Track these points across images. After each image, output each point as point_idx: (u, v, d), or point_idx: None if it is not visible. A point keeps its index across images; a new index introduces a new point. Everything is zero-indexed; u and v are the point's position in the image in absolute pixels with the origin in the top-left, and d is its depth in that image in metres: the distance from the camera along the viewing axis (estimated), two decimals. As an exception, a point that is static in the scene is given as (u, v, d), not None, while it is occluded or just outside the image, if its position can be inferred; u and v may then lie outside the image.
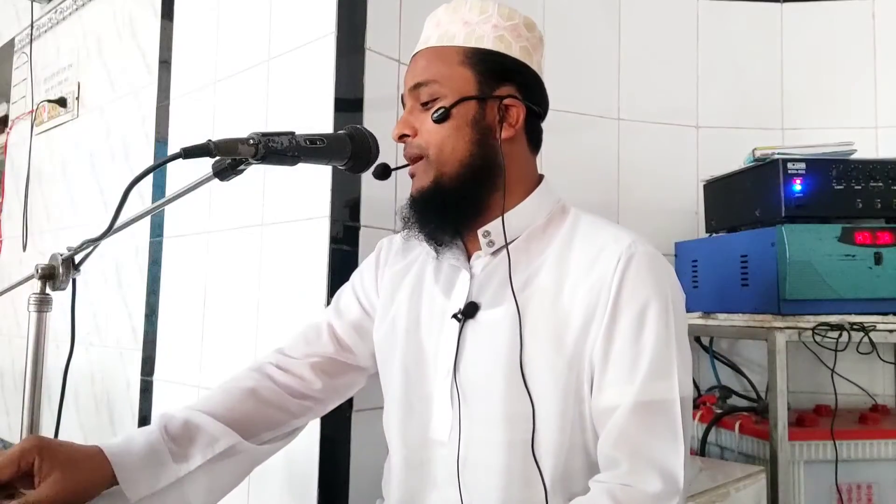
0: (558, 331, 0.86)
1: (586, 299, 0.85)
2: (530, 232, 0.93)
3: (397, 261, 1.06)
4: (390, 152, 0.97)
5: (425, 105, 0.92)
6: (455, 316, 0.92)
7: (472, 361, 0.91)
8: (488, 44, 0.91)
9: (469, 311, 0.92)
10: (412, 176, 0.95)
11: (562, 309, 0.87)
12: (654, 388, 0.81)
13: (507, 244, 0.91)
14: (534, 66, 0.95)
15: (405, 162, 0.96)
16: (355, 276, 1.13)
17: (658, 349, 0.82)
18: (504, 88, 0.91)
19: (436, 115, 0.90)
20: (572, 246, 0.90)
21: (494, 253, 0.93)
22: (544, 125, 1.00)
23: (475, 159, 0.90)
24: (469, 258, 0.96)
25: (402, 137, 0.94)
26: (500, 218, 0.91)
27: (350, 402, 1.33)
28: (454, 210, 0.91)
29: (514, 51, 0.92)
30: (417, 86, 0.92)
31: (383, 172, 0.98)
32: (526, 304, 0.88)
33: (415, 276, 1.01)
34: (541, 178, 0.98)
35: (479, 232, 0.93)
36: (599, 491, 0.79)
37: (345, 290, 1.13)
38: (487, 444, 0.89)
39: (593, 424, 0.86)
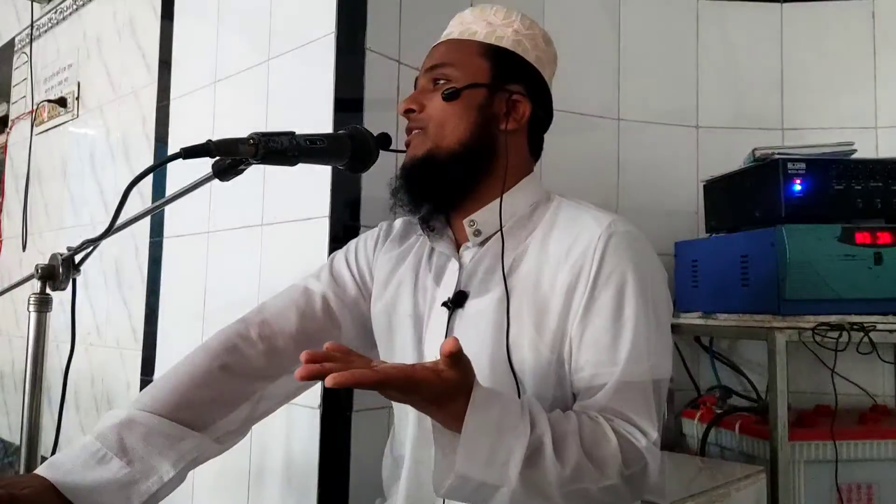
0: (540, 315, 0.87)
1: (567, 280, 0.86)
2: (516, 220, 0.94)
3: (392, 247, 1.06)
4: (393, 147, 0.97)
5: (437, 83, 0.94)
6: (445, 304, 0.93)
7: None
8: (507, 44, 0.95)
9: (458, 300, 0.93)
10: (408, 146, 0.96)
11: (543, 293, 0.88)
12: (633, 371, 0.82)
13: (501, 228, 0.92)
14: (545, 78, 0.98)
15: (408, 149, 0.96)
16: (350, 249, 1.09)
17: (638, 330, 0.83)
18: (515, 86, 0.94)
19: (446, 91, 0.92)
20: (553, 231, 0.92)
21: (482, 243, 0.95)
22: (545, 125, 1.01)
23: (472, 142, 0.92)
24: (458, 248, 0.97)
25: (407, 112, 0.96)
26: (487, 207, 0.93)
27: (350, 402, 1.33)
28: (439, 183, 0.92)
29: (531, 57, 0.96)
30: (434, 67, 0.95)
31: (384, 141, 0.96)
32: (511, 291, 0.89)
33: (412, 262, 1.02)
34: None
35: (465, 222, 0.94)
36: (602, 419, 0.79)
37: (338, 262, 1.08)
38: None
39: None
